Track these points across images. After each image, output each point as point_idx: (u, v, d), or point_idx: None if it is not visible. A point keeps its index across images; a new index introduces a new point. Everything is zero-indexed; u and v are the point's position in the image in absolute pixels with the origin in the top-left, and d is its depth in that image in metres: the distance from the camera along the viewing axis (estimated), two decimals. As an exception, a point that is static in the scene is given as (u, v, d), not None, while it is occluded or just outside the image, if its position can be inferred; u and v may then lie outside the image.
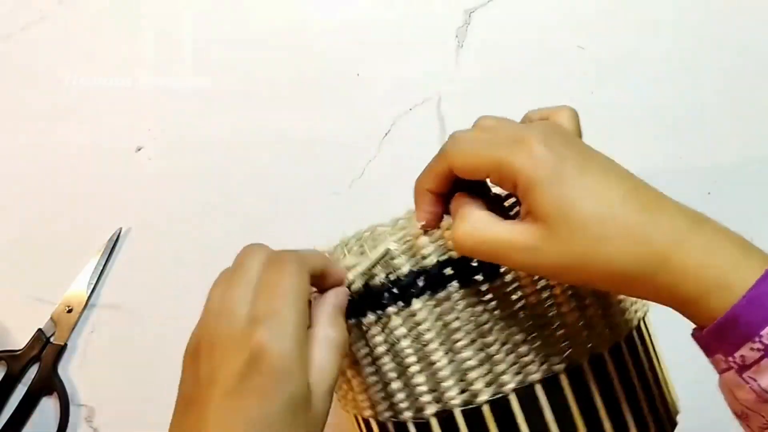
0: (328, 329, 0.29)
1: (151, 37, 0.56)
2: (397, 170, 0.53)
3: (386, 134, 0.54)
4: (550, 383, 0.33)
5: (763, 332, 0.24)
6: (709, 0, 0.56)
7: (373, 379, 0.34)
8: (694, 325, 0.28)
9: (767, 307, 0.25)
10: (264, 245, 0.31)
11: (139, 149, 0.54)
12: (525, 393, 0.32)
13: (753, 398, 0.25)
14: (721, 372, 0.27)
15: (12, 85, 0.55)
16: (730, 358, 0.26)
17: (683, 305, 0.27)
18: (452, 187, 0.32)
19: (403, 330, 0.32)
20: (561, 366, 0.33)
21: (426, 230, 0.32)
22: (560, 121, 0.32)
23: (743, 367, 0.25)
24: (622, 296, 0.35)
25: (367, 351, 0.33)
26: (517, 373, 0.32)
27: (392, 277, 0.32)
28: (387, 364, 0.33)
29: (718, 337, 0.26)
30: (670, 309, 0.27)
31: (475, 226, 0.29)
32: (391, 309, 0.32)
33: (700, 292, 0.26)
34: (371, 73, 0.55)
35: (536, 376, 0.32)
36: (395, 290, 0.32)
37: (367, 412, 0.35)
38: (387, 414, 0.34)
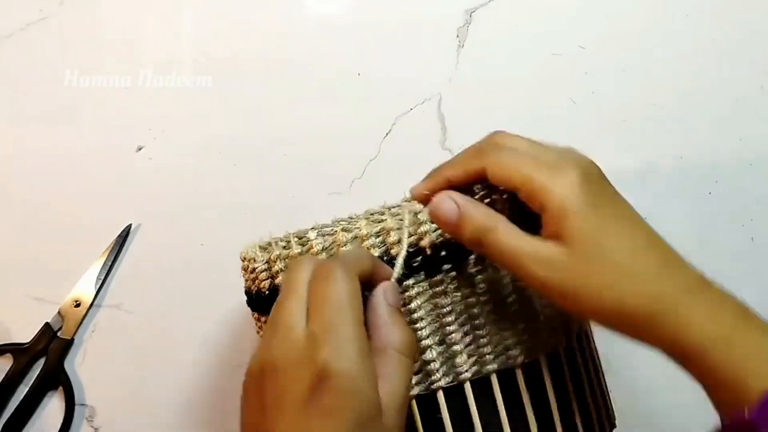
0: (390, 336, 0.29)
1: (151, 37, 0.56)
2: (397, 170, 0.53)
3: (386, 134, 0.54)
4: (505, 375, 0.34)
5: None
6: (709, 0, 0.56)
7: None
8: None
9: None
10: (309, 257, 0.31)
11: (140, 149, 0.54)
12: (480, 383, 0.33)
13: None
14: None
15: (12, 85, 0.55)
16: None
17: (684, 356, 0.28)
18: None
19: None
20: (519, 361, 0.34)
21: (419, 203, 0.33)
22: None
23: None
24: None
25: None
26: (499, 356, 0.33)
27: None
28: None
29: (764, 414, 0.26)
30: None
31: (506, 230, 0.30)
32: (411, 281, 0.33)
33: (702, 346, 0.27)
34: (372, 73, 0.55)
35: (492, 367, 0.33)
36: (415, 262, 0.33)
37: None
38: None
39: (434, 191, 0.33)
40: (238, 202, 0.53)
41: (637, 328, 0.28)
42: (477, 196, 0.32)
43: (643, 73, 0.55)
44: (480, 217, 0.31)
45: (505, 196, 0.32)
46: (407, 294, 0.33)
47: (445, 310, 0.33)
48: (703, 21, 0.56)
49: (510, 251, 0.30)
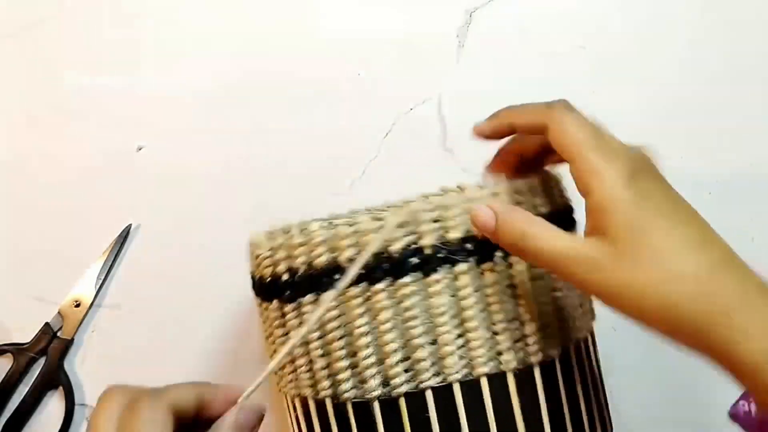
0: None
1: (151, 37, 0.56)
2: (397, 170, 0.53)
3: (386, 134, 0.54)
4: (496, 381, 0.33)
5: None
6: (709, 0, 0.56)
7: (327, 357, 0.34)
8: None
9: None
10: (121, 388, 0.28)
11: (140, 149, 0.54)
12: (469, 386, 0.33)
13: None
14: None
15: (13, 85, 0.55)
16: None
17: (738, 370, 0.26)
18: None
19: (363, 308, 0.33)
20: (511, 367, 0.33)
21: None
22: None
23: None
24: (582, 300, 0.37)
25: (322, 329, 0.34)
26: (491, 360, 0.33)
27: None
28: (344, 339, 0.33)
29: None
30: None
31: (543, 232, 0.30)
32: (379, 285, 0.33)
33: (759, 362, 0.25)
34: (372, 73, 0.55)
35: (482, 371, 0.33)
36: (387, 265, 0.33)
37: (307, 391, 0.35)
38: (349, 393, 0.34)
39: (496, 132, 0.34)
40: (238, 202, 0.53)
41: (687, 335, 0.26)
42: (519, 176, 0.33)
43: (643, 73, 0.55)
44: (517, 224, 0.30)
45: (548, 181, 0.33)
46: (402, 292, 0.33)
47: (438, 310, 0.33)
48: (703, 21, 0.56)
49: (549, 254, 0.29)
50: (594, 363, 0.39)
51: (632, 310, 0.27)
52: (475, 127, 0.35)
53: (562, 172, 0.39)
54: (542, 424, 0.34)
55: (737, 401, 0.28)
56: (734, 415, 0.28)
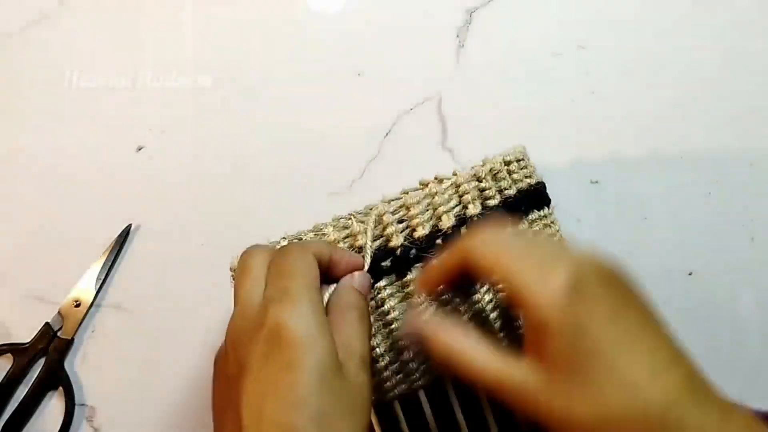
0: (346, 298, 0.29)
1: (151, 37, 0.56)
2: (397, 170, 0.53)
3: (386, 134, 0.54)
4: None
5: None
6: (709, 0, 0.56)
7: None
8: None
9: None
10: (261, 244, 0.31)
11: (140, 149, 0.54)
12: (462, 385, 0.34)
13: None
14: None
15: (12, 85, 0.55)
16: None
17: None
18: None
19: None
20: None
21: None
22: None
23: None
24: None
25: None
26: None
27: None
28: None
29: None
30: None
31: (473, 353, 0.27)
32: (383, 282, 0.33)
33: None
34: (372, 72, 0.55)
35: None
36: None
37: None
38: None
39: (429, 290, 0.32)
40: (238, 202, 0.53)
41: None
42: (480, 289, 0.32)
43: (643, 73, 0.55)
44: (444, 343, 0.28)
45: (513, 161, 0.33)
46: (380, 296, 0.33)
47: (420, 308, 0.33)
48: (704, 21, 0.56)
49: (481, 378, 0.26)
50: None
51: None
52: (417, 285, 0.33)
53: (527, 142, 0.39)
54: None
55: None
56: None
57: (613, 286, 0.25)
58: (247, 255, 0.30)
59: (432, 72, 0.55)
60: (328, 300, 0.30)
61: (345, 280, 0.30)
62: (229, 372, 0.27)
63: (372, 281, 0.32)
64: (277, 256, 0.29)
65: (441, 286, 0.32)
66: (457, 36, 0.56)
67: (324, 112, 0.55)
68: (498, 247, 0.26)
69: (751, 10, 0.56)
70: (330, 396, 0.25)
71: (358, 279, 0.30)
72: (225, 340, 0.29)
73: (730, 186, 0.53)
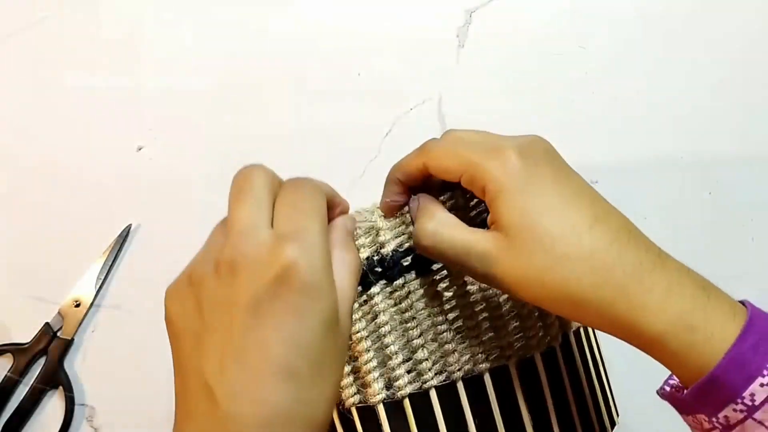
0: (343, 252, 0.28)
1: (151, 37, 0.56)
2: (398, 170, 0.53)
3: (386, 134, 0.54)
4: (499, 374, 0.34)
5: (745, 393, 0.24)
6: (709, 1, 0.56)
7: None
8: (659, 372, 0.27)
9: (748, 367, 0.24)
10: (262, 165, 0.30)
11: (140, 149, 0.54)
12: (473, 382, 0.33)
13: None
14: None
15: (12, 85, 0.55)
16: (714, 419, 0.25)
17: (644, 343, 0.26)
18: (424, 187, 0.32)
19: (359, 313, 0.33)
20: (512, 359, 0.34)
21: (384, 216, 0.33)
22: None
23: (727, 428, 0.25)
24: None
25: None
26: (467, 363, 0.33)
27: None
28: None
29: (700, 398, 0.25)
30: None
31: (438, 226, 0.29)
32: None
33: (660, 332, 0.25)
34: (372, 72, 0.55)
35: (485, 366, 0.33)
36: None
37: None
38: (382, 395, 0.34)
39: (391, 198, 0.33)
40: (238, 202, 0.53)
41: (591, 315, 0.26)
42: (441, 199, 0.32)
43: (643, 73, 0.55)
44: (429, 218, 0.30)
45: (467, 195, 0.32)
46: (399, 293, 0.33)
47: (436, 309, 0.33)
48: (704, 21, 0.56)
49: (450, 251, 0.29)
50: (593, 349, 0.39)
51: (534, 297, 0.27)
52: (381, 207, 0.34)
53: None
54: (548, 414, 0.34)
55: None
56: (662, 394, 0.29)
57: (551, 155, 0.29)
58: (248, 171, 0.29)
59: (432, 72, 0.55)
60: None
61: (339, 223, 0.30)
62: (209, 298, 0.26)
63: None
64: (290, 186, 0.28)
65: (403, 197, 0.33)
66: (457, 36, 0.56)
67: (324, 112, 0.55)
68: (453, 144, 0.30)
69: (750, 10, 0.56)
70: (329, 344, 0.25)
71: (349, 223, 0.31)
72: (215, 257, 0.27)
73: (730, 186, 0.53)
